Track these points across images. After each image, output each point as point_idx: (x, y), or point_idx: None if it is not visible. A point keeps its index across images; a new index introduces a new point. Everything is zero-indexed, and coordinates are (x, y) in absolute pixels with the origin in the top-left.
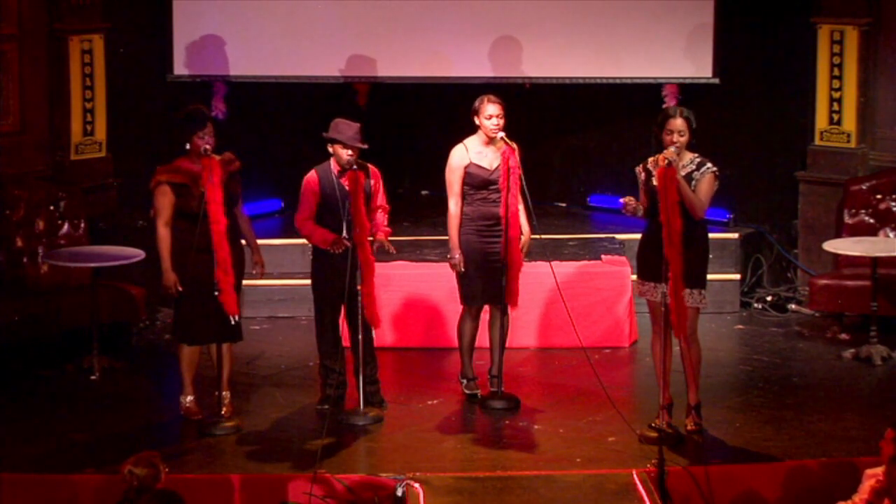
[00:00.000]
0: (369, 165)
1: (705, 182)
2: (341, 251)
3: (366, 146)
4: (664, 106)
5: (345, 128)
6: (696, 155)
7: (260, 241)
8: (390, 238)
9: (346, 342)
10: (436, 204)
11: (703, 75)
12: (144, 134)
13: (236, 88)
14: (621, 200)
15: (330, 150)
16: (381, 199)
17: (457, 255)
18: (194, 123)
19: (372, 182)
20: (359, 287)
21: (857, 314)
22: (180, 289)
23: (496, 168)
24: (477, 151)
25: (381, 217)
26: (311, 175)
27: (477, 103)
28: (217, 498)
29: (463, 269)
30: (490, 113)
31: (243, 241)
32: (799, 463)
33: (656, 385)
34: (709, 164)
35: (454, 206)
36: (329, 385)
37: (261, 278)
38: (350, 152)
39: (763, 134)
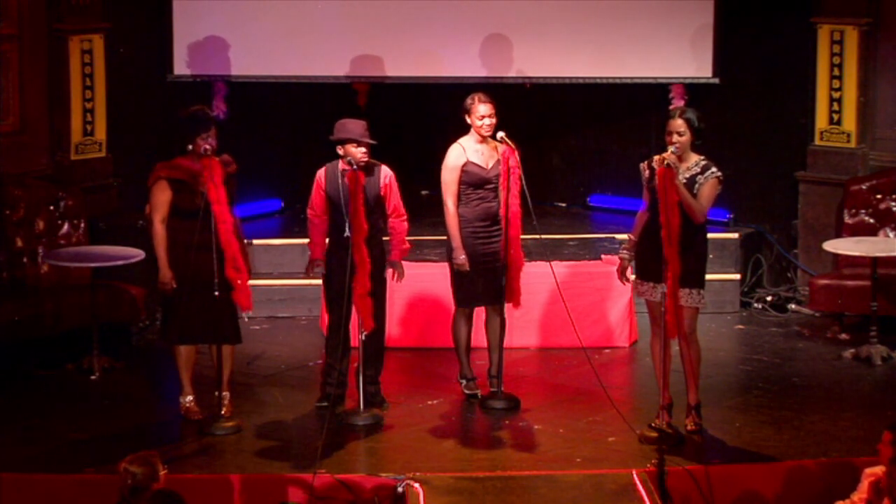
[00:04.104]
0: (383, 165)
1: (708, 186)
2: (309, 274)
3: (374, 141)
4: (670, 107)
5: (352, 126)
6: (702, 157)
7: (260, 242)
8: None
9: (355, 342)
10: (435, 204)
11: (704, 75)
12: (144, 134)
13: (236, 88)
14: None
15: (340, 151)
16: (394, 201)
17: (462, 257)
18: (198, 125)
19: (382, 183)
20: None
21: (857, 314)
22: (175, 286)
23: (492, 166)
24: (473, 150)
25: (399, 228)
26: (320, 172)
27: (468, 102)
28: (217, 498)
29: (468, 269)
30: (481, 113)
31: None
32: (798, 463)
33: (656, 385)
34: (713, 169)
35: (452, 205)
36: (329, 384)
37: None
38: (364, 150)
39: (763, 134)
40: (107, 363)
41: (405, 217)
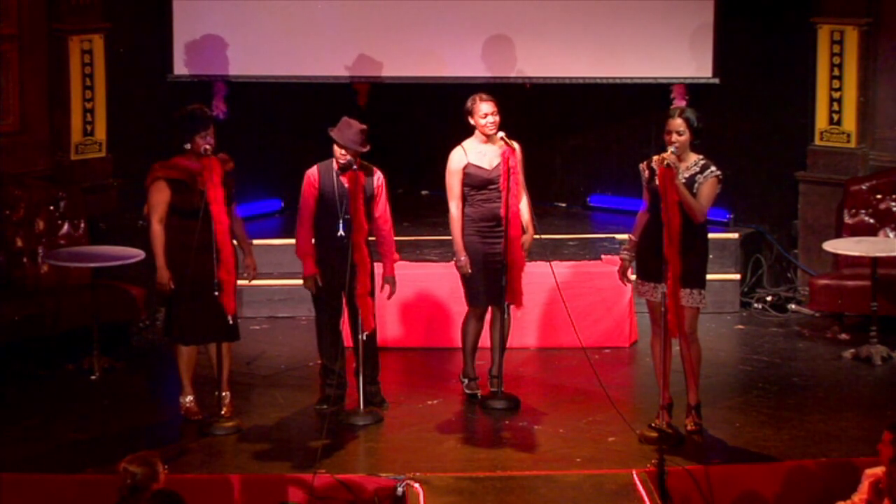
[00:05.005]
0: (374, 168)
1: (707, 186)
2: (313, 291)
3: (363, 149)
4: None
5: (345, 128)
6: (701, 157)
7: (260, 241)
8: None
9: (348, 342)
10: (435, 204)
11: (703, 75)
12: (144, 134)
13: (236, 88)
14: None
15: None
16: (382, 205)
17: (462, 258)
18: (197, 124)
19: (375, 185)
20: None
21: (857, 314)
22: (173, 286)
23: (496, 167)
24: (475, 152)
25: (389, 237)
26: (312, 170)
27: (469, 103)
28: (217, 498)
29: (469, 271)
30: (484, 111)
31: (234, 242)
32: (798, 463)
33: (656, 385)
34: (713, 168)
35: (455, 209)
36: (329, 385)
37: (251, 281)
38: (343, 152)
39: (763, 134)
40: (107, 363)
41: (391, 223)
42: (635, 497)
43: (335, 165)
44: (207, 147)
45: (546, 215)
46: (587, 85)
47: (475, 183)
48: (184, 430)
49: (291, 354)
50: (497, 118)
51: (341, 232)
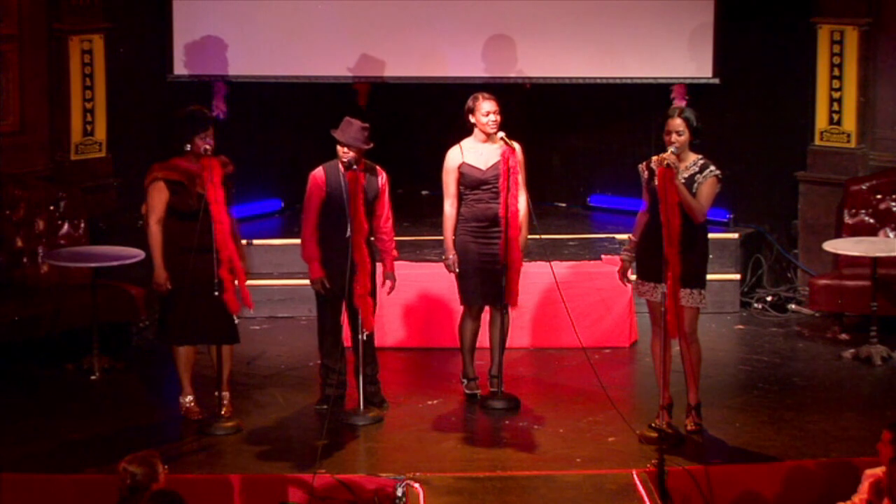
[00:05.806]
0: (377, 167)
1: (707, 185)
2: (318, 291)
3: (366, 146)
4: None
5: (346, 127)
6: (700, 157)
7: (260, 241)
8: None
9: (347, 342)
10: (435, 204)
11: (704, 75)
12: (144, 134)
13: (236, 88)
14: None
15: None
16: (386, 203)
17: (451, 256)
18: (196, 125)
19: (379, 184)
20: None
21: (857, 314)
22: (169, 286)
23: (491, 167)
24: (472, 151)
25: (390, 234)
26: (318, 171)
27: (470, 102)
28: (217, 498)
29: (457, 270)
30: (487, 110)
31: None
32: (799, 463)
33: (656, 385)
34: (712, 167)
35: (449, 206)
36: (329, 385)
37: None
38: (346, 150)
39: (763, 134)
40: (107, 363)
41: (392, 220)
42: (635, 497)
43: (340, 167)
44: (207, 147)
45: (546, 215)
46: (587, 85)
47: (469, 183)
48: (184, 430)
49: (291, 354)
50: (498, 117)
51: (349, 234)
